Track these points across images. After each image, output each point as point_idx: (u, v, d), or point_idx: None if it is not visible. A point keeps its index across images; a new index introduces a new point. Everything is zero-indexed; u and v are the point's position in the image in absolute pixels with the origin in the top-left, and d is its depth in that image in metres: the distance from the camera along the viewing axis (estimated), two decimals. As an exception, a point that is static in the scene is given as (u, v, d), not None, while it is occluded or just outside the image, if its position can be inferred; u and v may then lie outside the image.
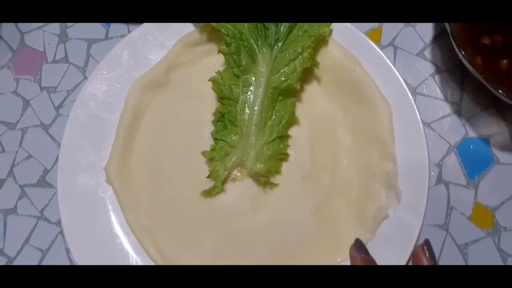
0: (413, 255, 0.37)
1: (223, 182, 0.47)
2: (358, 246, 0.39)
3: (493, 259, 0.45)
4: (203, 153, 0.46)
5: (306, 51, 0.46)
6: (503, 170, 0.48)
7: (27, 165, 0.51)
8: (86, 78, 0.53)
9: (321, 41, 0.48)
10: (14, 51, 0.55)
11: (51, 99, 0.53)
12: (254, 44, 0.46)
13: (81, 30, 0.56)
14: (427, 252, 0.36)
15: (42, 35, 0.56)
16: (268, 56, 0.46)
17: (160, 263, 0.45)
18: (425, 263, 0.35)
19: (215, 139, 0.47)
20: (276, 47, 0.47)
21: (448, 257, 0.46)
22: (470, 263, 0.45)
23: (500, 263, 0.45)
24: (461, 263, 0.46)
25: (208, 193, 0.46)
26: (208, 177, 0.46)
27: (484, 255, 0.46)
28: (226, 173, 0.46)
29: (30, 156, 0.52)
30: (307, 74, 0.49)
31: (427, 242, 0.37)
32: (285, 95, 0.47)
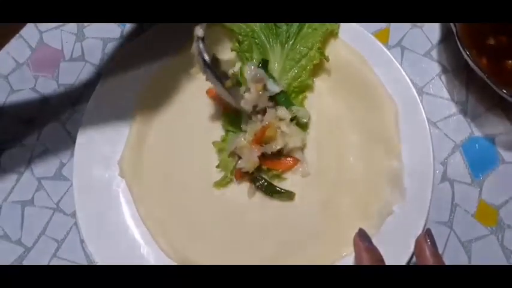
0: (416, 245, 0.39)
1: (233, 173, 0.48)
2: (362, 235, 0.41)
3: (496, 256, 0.46)
4: (214, 143, 0.48)
5: (315, 46, 0.47)
6: (507, 169, 0.48)
7: (44, 159, 0.53)
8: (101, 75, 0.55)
9: (330, 41, 0.50)
10: (33, 49, 0.57)
11: (68, 95, 0.55)
12: (266, 42, 0.48)
13: (97, 30, 0.57)
14: (428, 240, 0.37)
15: (60, 34, 0.58)
16: (280, 53, 0.48)
17: (171, 254, 0.46)
18: (427, 251, 0.37)
19: (226, 130, 0.49)
20: (287, 44, 0.48)
21: (452, 254, 0.46)
22: (473, 260, 0.46)
23: (504, 261, 0.46)
24: (465, 259, 0.46)
25: (220, 184, 0.48)
26: (217, 166, 0.47)
27: (488, 253, 0.46)
28: (235, 163, 0.47)
29: (47, 150, 0.53)
30: (316, 73, 0.50)
31: (428, 231, 0.39)
32: (298, 92, 0.48)
